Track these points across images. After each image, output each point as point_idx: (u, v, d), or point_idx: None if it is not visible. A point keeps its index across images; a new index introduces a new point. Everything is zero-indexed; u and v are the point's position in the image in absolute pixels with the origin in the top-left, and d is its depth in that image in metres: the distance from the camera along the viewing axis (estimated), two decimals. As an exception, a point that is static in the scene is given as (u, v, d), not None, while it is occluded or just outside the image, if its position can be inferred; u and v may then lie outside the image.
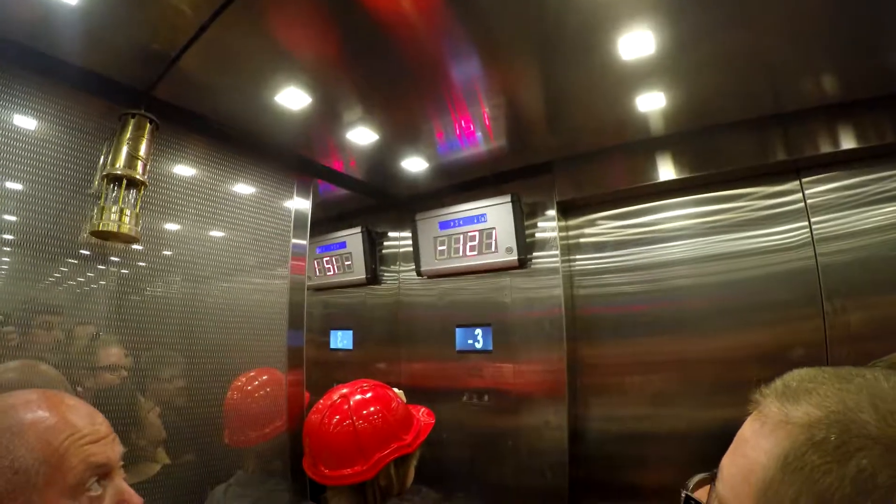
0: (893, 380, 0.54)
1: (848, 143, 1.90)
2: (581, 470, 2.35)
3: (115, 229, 1.63)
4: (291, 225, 2.33)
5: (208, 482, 1.91)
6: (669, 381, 2.22)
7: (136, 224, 1.69)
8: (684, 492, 0.68)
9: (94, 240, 1.69)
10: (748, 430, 0.61)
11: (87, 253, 1.72)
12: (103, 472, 0.89)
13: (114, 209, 1.64)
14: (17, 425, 0.83)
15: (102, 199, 1.65)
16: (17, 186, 1.56)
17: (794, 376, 0.61)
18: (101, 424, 0.94)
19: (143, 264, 1.86)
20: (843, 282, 1.93)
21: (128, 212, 1.66)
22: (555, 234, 2.48)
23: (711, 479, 0.64)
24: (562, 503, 2.29)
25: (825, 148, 1.94)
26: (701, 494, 0.66)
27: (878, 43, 1.55)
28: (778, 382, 0.62)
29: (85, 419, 0.91)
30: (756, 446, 0.57)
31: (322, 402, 1.74)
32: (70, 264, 1.69)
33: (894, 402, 0.50)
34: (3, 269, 1.58)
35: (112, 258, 1.77)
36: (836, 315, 1.91)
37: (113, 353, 1.73)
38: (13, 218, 1.55)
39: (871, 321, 1.85)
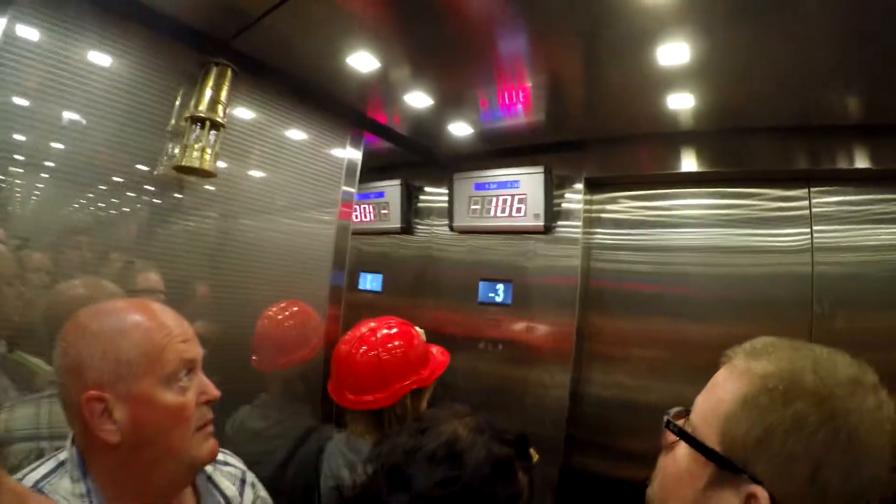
0: (829, 354, 0.73)
1: (861, 162, 1.99)
2: (577, 429, 2.54)
3: (198, 165, 1.82)
4: (343, 173, 2.50)
5: (233, 403, 2.05)
6: (666, 358, 2.37)
7: (215, 161, 1.88)
8: (666, 417, 0.82)
9: (173, 174, 1.87)
10: (720, 376, 0.79)
11: (162, 187, 1.92)
12: (191, 367, 1.02)
13: (196, 147, 1.83)
14: (122, 325, 0.96)
15: (186, 138, 1.83)
16: (93, 120, 1.72)
17: (760, 340, 0.79)
18: (188, 327, 1.07)
19: (211, 199, 2.05)
20: (833, 291, 2.03)
21: (209, 150, 1.85)
22: (580, 206, 2.63)
23: (686, 413, 0.82)
24: (557, 455, 2.48)
25: (837, 164, 2.02)
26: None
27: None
28: (747, 344, 0.80)
29: (175, 321, 1.04)
30: (724, 388, 0.75)
31: (351, 334, 1.87)
32: (143, 195, 1.89)
33: (828, 369, 0.69)
34: (86, 201, 1.76)
35: (175, 193, 1.96)
36: (822, 320, 2.03)
37: (151, 278, 1.87)
38: (92, 149, 1.72)
39: (854, 331, 1.97)
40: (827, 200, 2.12)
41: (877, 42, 1.50)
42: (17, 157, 1.59)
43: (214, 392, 1.06)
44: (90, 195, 1.77)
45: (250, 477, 1.28)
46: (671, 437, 0.81)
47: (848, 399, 0.66)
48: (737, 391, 0.73)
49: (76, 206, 1.76)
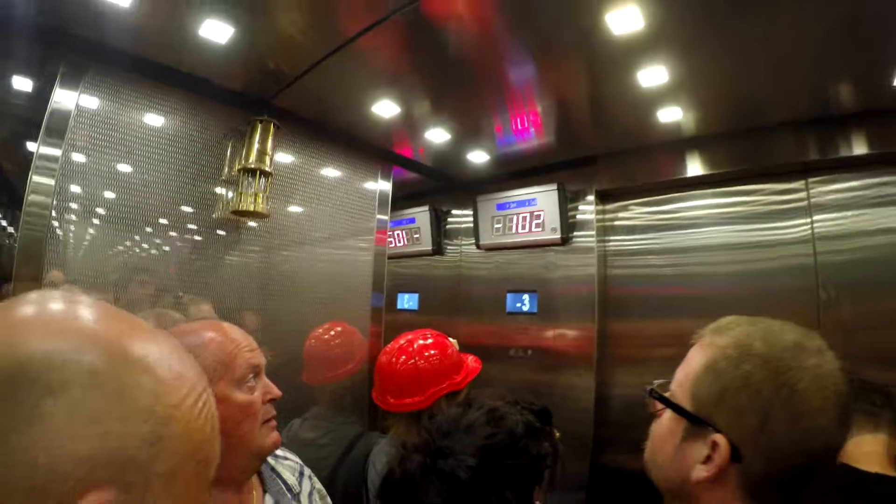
0: (781, 325, 0.86)
1: (857, 148, 2.05)
2: (604, 428, 2.66)
3: (252, 209, 2.12)
4: (376, 203, 2.76)
5: (288, 416, 2.20)
6: (684, 356, 2.43)
7: (267, 204, 2.17)
8: (650, 387, 0.95)
9: (230, 216, 2.16)
10: (693, 351, 0.94)
11: (218, 228, 2.19)
12: (257, 371, 1.20)
13: (250, 193, 2.12)
14: (200, 340, 1.15)
15: (240, 186, 2.13)
16: (157, 174, 2.01)
17: (725, 320, 0.93)
18: (253, 340, 1.26)
19: (262, 236, 2.31)
20: (837, 277, 2.09)
21: (261, 195, 2.14)
22: (592, 216, 2.81)
23: (667, 384, 0.96)
24: (586, 453, 2.61)
25: (832, 153, 2.09)
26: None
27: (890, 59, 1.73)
28: (713, 324, 0.94)
29: (242, 335, 1.23)
30: (694, 359, 0.90)
31: (391, 345, 2.03)
32: (200, 235, 2.16)
33: (777, 337, 0.83)
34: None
35: (230, 233, 2.22)
36: (829, 306, 2.09)
37: (204, 309, 2.08)
38: (158, 199, 2.00)
39: (861, 314, 2.02)
40: (824, 189, 2.21)
41: (867, 26, 1.57)
42: (72, 205, 1.83)
43: (276, 391, 1.25)
44: (154, 238, 2.04)
45: (307, 471, 1.48)
46: (658, 405, 0.96)
47: (790, 360, 0.77)
48: (702, 360, 0.88)
49: (134, 247, 2.02)
